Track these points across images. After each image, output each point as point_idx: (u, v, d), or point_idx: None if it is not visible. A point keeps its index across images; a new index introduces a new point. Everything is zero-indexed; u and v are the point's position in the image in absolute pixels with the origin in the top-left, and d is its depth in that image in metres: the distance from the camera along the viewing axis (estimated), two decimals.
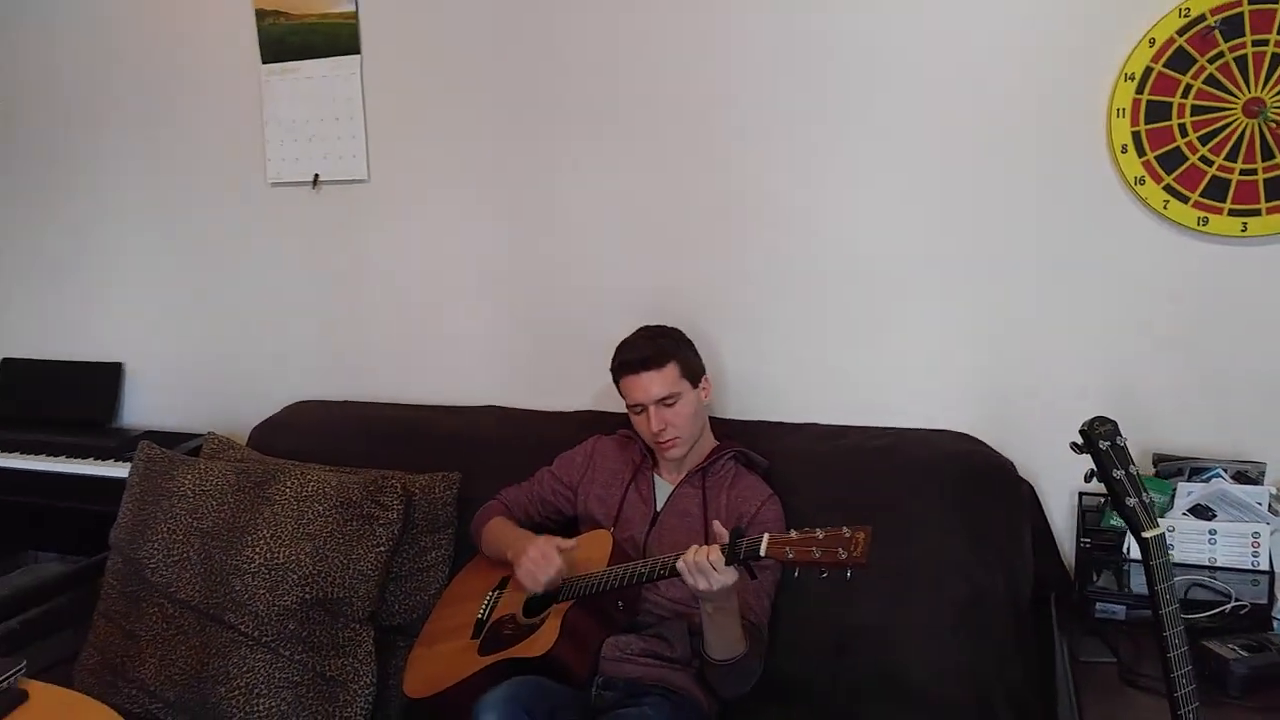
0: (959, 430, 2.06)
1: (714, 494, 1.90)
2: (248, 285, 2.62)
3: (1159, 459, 1.94)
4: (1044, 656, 1.86)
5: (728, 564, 1.55)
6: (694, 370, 1.92)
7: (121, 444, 2.49)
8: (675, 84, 2.17)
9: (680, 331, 1.97)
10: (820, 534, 1.48)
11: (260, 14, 2.44)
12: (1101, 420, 1.49)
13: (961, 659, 1.80)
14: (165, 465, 2.10)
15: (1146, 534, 1.43)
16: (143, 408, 2.76)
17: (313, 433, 2.34)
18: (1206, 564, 1.84)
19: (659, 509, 1.92)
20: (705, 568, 1.55)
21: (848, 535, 1.47)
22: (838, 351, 2.15)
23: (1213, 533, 1.86)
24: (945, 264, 2.05)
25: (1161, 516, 1.88)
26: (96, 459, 2.46)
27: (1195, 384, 1.94)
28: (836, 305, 2.13)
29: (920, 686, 1.79)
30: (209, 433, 2.28)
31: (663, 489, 1.95)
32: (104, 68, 2.68)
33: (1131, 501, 1.44)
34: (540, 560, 1.77)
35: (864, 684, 1.82)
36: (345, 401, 2.49)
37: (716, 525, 1.60)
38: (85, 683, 1.97)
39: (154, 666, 1.93)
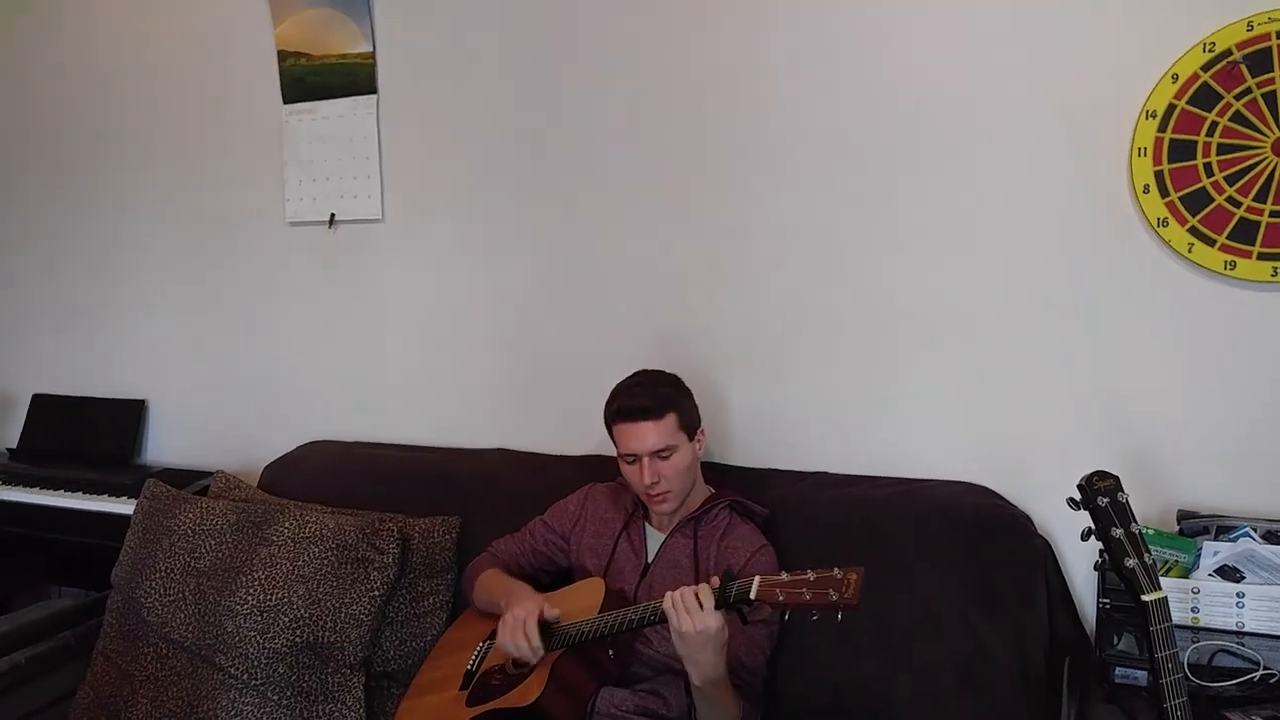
0: (975, 483, 1.98)
1: (705, 544, 1.85)
2: (267, 325, 2.65)
3: (1183, 515, 1.84)
4: None
5: (717, 607, 1.50)
6: (691, 422, 1.87)
7: (139, 481, 2.51)
8: (695, 129, 2.16)
9: (678, 379, 1.92)
10: (811, 575, 1.44)
11: (282, 55, 2.49)
12: (1101, 475, 1.42)
13: (959, 718, 1.71)
14: (168, 503, 2.12)
15: (1147, 597, 1.36)
16: (166, 445, 2.80)
17: (322, 473, 2.35)
18: (1234, 629, 1.74)
19: (650, 560, 1.87)
20: (692, 605, 1.49)
21: (839, 576, 1.42)
22: (852, 400, 2.09)
23: (1240, 595, 1.75)
24: (962, 311, 1.99)
25: (1185, 577, 1.78)
26: (111, 495, 2.49)
27: (1223, 437, 1.84)
28: (852, 352, 2.08)
29: None
30: (218, 471, 2.30)
31: (654, 539, 1.90)
32: (142, 111, 2.76)
33: (1131, 563, 1.36)
34: (516, 631, 1.69)
35: None
36: (356, 442, 2.50)
37: (713, 580, 1.55)
38: None
39: (145, 708, 1.93)
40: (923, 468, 2.01)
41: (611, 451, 2.19)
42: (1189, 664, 1.67)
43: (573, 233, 2.29)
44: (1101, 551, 1.77)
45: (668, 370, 1.94)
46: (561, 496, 2.05)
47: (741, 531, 1.86)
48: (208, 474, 2.58)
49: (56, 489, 2.58)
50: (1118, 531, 1.37)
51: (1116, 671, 1.74)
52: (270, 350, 2.65)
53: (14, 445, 2.87)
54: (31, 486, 2.59)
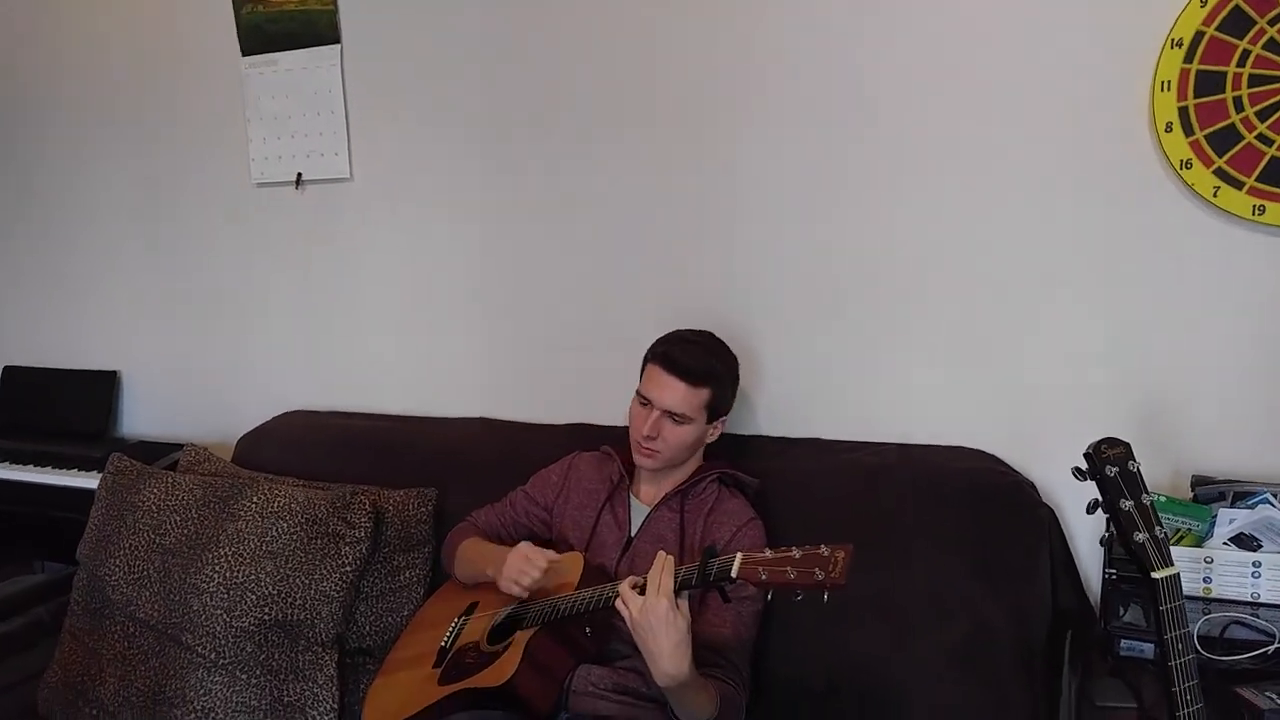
0: (977, 448, 1.88)
1: (692, 518, 1.75)
2: (238, 291, 2.55)
3: (1198, 481, 1.74)
4: (1057, 700, 1.67)
5: (697, 584, 1.40)
6: (720, 407, 1.78)
7: (109, 455, 2.44)
8: (681, 77, 2.02)
9: (735, 361, 1.82)
10: (796, 553, 1.35)
11: (238, 1, 2.36)
12: (1110, 442, 1.31)
13: (961, 699, 1.63)
14: (133, 478, 2.03)
15: (1157, 575, 1.26)
16: (141, 417, 2.71)
17: (296, 444, 2.26)
18: (1249, 600, 1.64)
19: (633, 533, 1.78)
20: (645, 593, 1.39)
21: (826, 554, 1.33)
22: (848, 361, 1.98)
23: (1257, 565, 1.65)
24: (964, 263, 1.87)
25: (1198, 545, 1.68)
26: (82, 470, 2.41)
27: (1243, 397, 1.73)
28: (846, 309, 1.97)
29: None
30: (187, 445, 2.21)
31: (639, 512, 1.81)
32: (95, 73, 2.64)
33: (1141, 537, 1.26)
34: (523, 562, 1.63)
35: None
36: (332, 412, 2.41)
37: (668, 560, 1.44)
38: (47, 701, 1.90)
39: (114, 687, 1.86)
40: (922, 432, 1.91)
41: (598, 421, 2.12)
42: (1199, 636, 1.58)
43: (556, 192, 2.17)
44: (1109, 523, 1.69)
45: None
46: (544, 466, 1.96)
47: (730, 505, 1.77)
48: (189, 446, 2.50)
49: (28, 463, 2.50)
50: (1127, 504, 1.27)
51: (1122, 644, 1.66)
52: (243, 318, 2.55)
53: None
54: (12, 463, 2.51)
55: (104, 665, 1.88)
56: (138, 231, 2.64)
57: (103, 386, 2.67)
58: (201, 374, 2.62)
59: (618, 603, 1.43)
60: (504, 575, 1.65)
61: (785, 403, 2.02)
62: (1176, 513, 1.69)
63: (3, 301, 2.87)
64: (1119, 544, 1.28)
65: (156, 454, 2.39)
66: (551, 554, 1.68)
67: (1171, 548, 1.65)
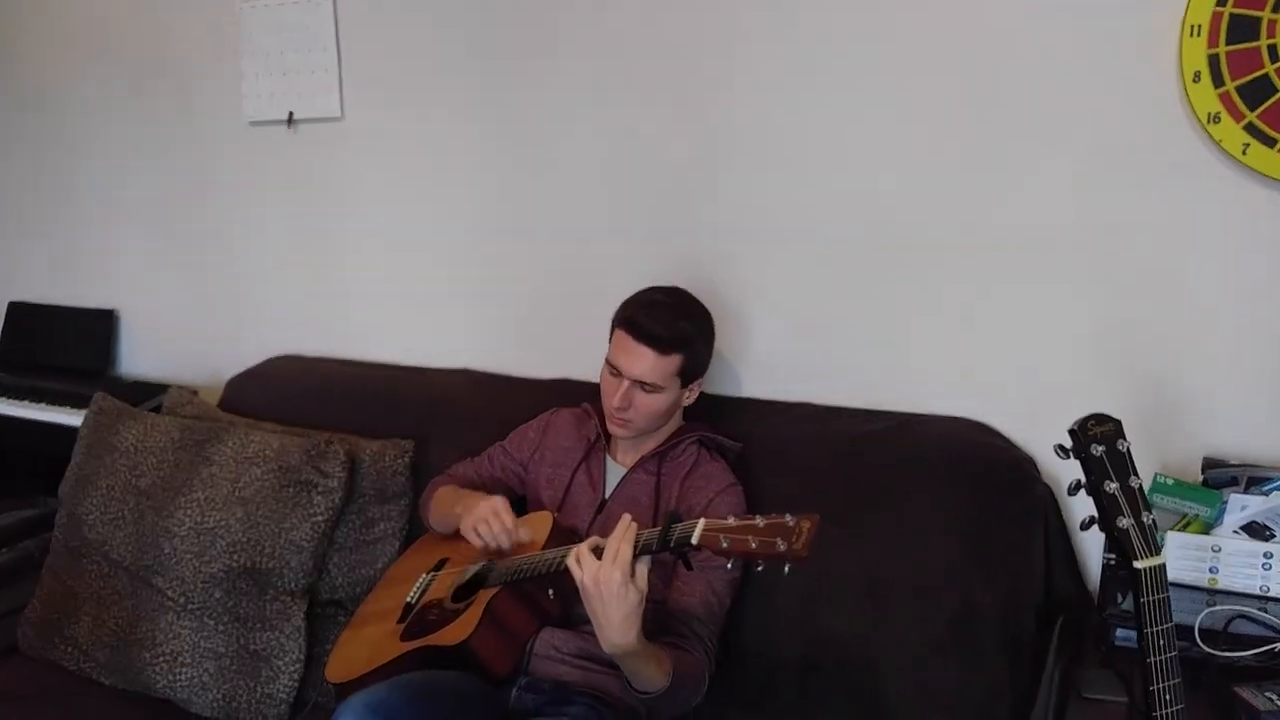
0: (974, 419, 1.78)
1: (668, 481, 1.68)
2: (232, 232, 2.50)
3: (1209, 464, 1.63)
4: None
5: (658, 550, 1.34)
6: (695, 369, 1.68)
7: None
8: (669, 27, 1.92)
9: (708, 318, 1.72)
10: (760, 522, 1.27)
11: None
12: (1098, 419, 1.21)
13: (944, 683, 1.56)
14: (114, 418, 2.01)
15: (1140, 564, 1.16)
16: (140, 356, 2.70)
17: (282, 389, 2.23)
18: (1258, 593, 1.54)
19: (607, 495, 1.72)
20: (602, 558, 1.31)
21: (790, 524, 1.25)
22: (844, 323, 1.88)
23: (1268, 556, 1.55)
24: (966, 222, 1.76)
25: (1206, 533, 1.58)
26: (75, 408, 2.40)
27: (1265, 374, 1.61)
28: (839, 268, 1.87)
29: (893, 710, 1.57)
30: (171, 386, 2.19)
31: (614, 473, 1.74)
32: (91, 7, 2.58)
33: (1125, 523, 1.16)
34: (490, 514, 1.57)
35: (832, 701, 1.61)
36: (321, 358, 2.36)
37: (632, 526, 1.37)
38: (27, 637, 1.90)
39: (89, 625, 1.85)
40: (917, 401, 1.82)
41: (583, 377, 2.05)
42: (1200, 629, 1.49)
43: (545, 142, 2.09)
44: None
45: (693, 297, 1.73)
46: (522, 423, 1.90)
47: (709, 469, 1.70)
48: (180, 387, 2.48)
49: (27, 399, 2.50)
50: (1112, 486, 1.17)
51: (1117, 633, 1.58)
52: (238, 260, 2.51)
53: None
54: (16, 398, 2.51)
55: (80, 604, 1.88)
56: (136, 168, 2.60)
57: (101, 325, 2.66)
58: (198, 315, 2.59)
59: (570, 561, 1.36)
60: (468, 521, 1.60)
61: (775, 365, 1.94)
62: (1183, 497, 1.59)
63: (8, 237, 2.86)
64: (1101, 529, 1.19)
65: (150, 394, 2.38)
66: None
67: (1175, 534, 1.58)
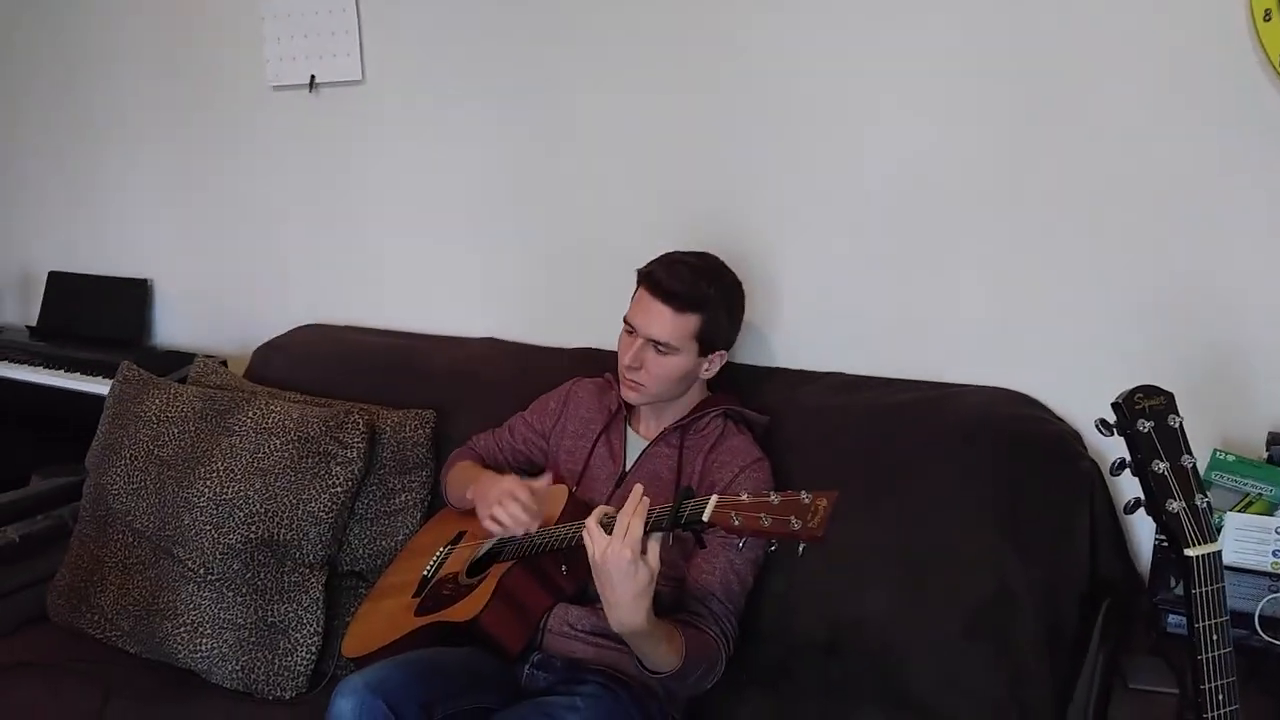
0: (1015, 390, 1.68)
1: (691, 455, 1.62)
2: (259, 200, 2.48)
3: (1274, 439, 1.50)
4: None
5: (668, 527, 1.27)
6: (714, 338, 1.60)
7: (138, 364, 2.43)
8: None
9: (737, 288, 1.64)
10: (775, 499, 1.20)
11: None
12: (1147, 391, 1.11)
13: (974, 669, 1.47)
14: (139, 387, 2.00)
15: (1192, 552, 1.06)
16: (173, 325, 2.70)
17: (307, 358, 2.20)
18: None
19: (627, 468, 1.66)
20: (610, 534, 1.25)
21: (806, 502, 1.18)
22: (876, 289, 1.79)
23: None
24: (1017, 177, 1.65)
25: (1271, 514, 1.47)
26: (107, 377, 2.40)
27: None
28: (881, 234, 1.77)
29: (920, 696, 1.49)
30: (199, 355, 2.18)
31: (635, 446, 1.68)
32: None
33: (1175, 506, 1.06)
34: (506, 498, 1.50)
35: (856, 684, 1.53)
36: (348, 326, 2.33)
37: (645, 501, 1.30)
38: (54, 604, 1.91)
39: (114, 594, 1.85)
40: (954, 370, 1.72)
41: (608, 347, 1.98)
42: (1262, 616, 1.39)
43: (569, 104, 2.01)
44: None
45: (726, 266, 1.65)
46: (548, 391, 1.84)
47: (734, 443, 1.62)
48: (210, 356, 2.48)
49: (65, 369, 2.51)
50: (1161, 465, 1.07)
51: (1169, 619, 1.47)
52: (265, 228, 2.49)
53: (34, 323, 2.83)
54: (36, 366, 2.54)
55: (106, 573, 1.88)
56: (163, 135, 2.59)
57: (135, 295, 2.66)
58: (227, 284, 2.58)
59: (584, 535, 1.31)
60: (483, 510, 1.55)
61: (806, 334, 1.85)
62: (1245, 475, 1.48)
63: (48, 206, 2.88)
64: (1148, 512, 1.09)
65: (181, 363, 2.38)
66: (536, 483, 1.56)
67: (1235, 515, 1.46)
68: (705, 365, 1.63)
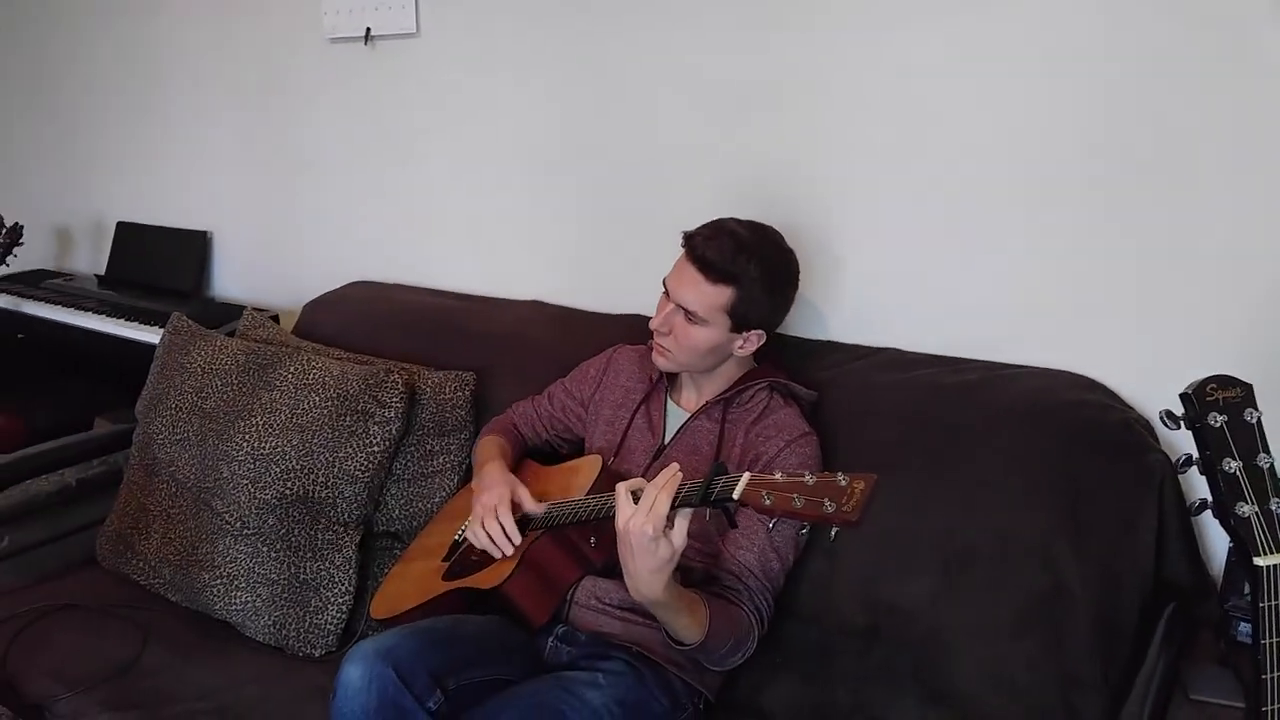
0: (1081, 374, 1.57)
1: (734, 429, 1.55)
2: (314, 153, 2.46)
3: None
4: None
5: (698, 504, 1.21)
6: (748, 316, 1.50)
7: (192, 314, 2.45)
8: None
9: (786, 264, 1.54)
10: (810, 479, 1.13)
11: None
12: (1222, 381, 1.00)
13: (1020, 666, 1.39)
14: (186, 339, 2.01)
15: (1262, 561, 0.96)
16: (231, 278, 2.73)
17: (355, 315, 2.19)
18: None
19: (666, 441, 1.60)
20: (641, 503, 1.20)
21: (842, 484, 1.11)
22: (938, 262, 1.69)
23: None
24: (1088, 139, 1.53)
25: None
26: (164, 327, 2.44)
27: None
28: (943, 204, 1.66)
29: (961, 691, 1.42)
30: (248, 308, 2.18)
31: (676, 418, 1.62)
32: None
33: (1246, 510, 0.97)
34: (488, 518, 1.49)
35: (894, 673, 1.47)
36: (397, 284, 2.31)
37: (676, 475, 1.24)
38: (103, 549, 1.95)
39: (157, 542, 1.87)
40: (1015, 350, 1.62)
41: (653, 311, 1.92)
42: None
43: (628, 61, 1.93)
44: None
45: (782, 240, 1.55)
46: (589, 358, 1.79)
47: (780, 416, 1.55)
48: (263, 310, 2.49)
49: (126, 318, 2.54)
50: (1233, 464, 0.97)
51: (1240, 627, 1.37)
52: (321, 182, 2.47)
53: (102, 272, 2.88)
54: (103, 314, 2.57)
55: (151, 521, 1.90)
56: (225, 88, 2.59)
57: (195, 246, 2.69)
58: (283, 238, 2.58)
59: (619, 492, 1.26)
60: (475, 507, 1.53)
61: (864, 307, 1.76)
62: None
63: (117, 157, 2.92)
64: (1215, 515, 0.99)
65: (234, 316, 2.39)
66: (531, 504, 1.52)
67: None
68: (739, 343, 1.54)
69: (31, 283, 2.83)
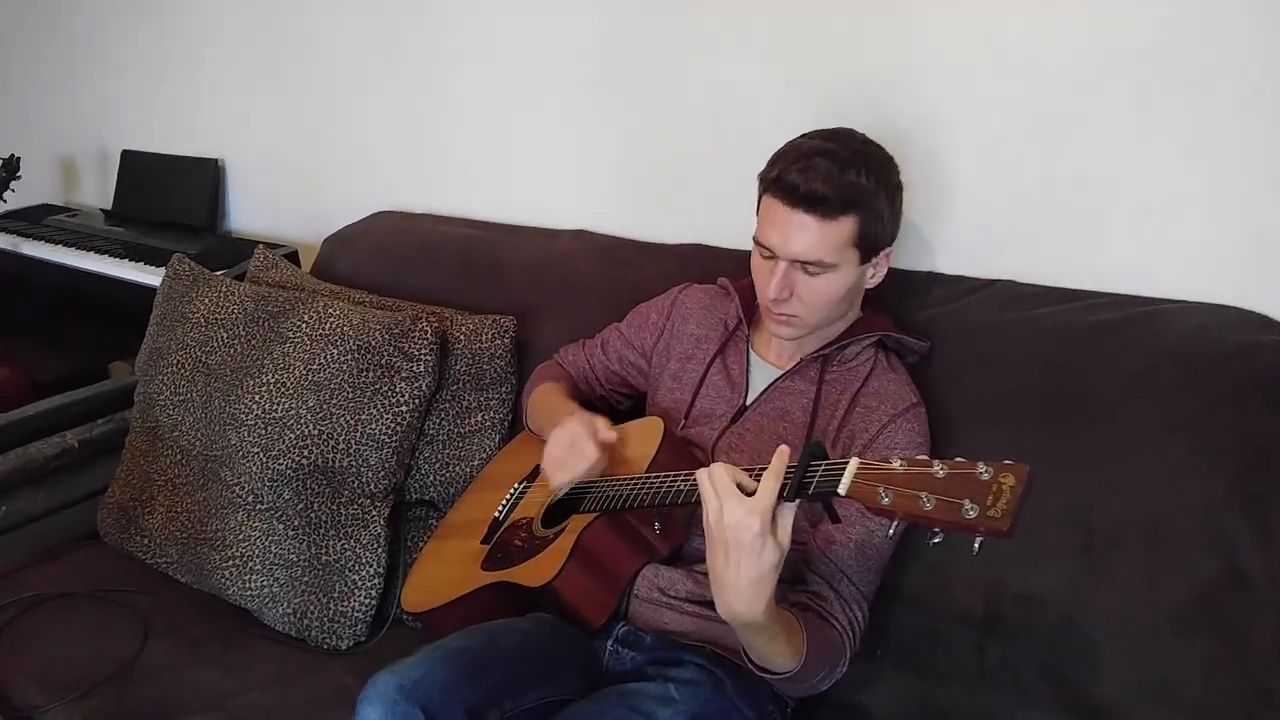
0: (1246, 308, 1.28)
1: (832, 393, 1.29)
2: (334, 76, 2.19)
3: None
4: None
5: (788, 496, 0.97)
6: (877, 235, 1.23)
7: (205, 251, 2.23)
8: None
9: (888, 160, 1.25)
10: (940, 470, 0.89)
11: None
12: None
13: (1181, 670, 1.15)
14: (189, 284, 1.77)
15: None
16: (247, 210, 2.48)
17: (378, 251, 1.95)
18: None
19: (748, 401, 1.34)
20: (730, 489, 0.97)
21: (985, 479, 0.86)
22: (1065, 169, 1.40)
23: None
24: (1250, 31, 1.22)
25: None
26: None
27: None
28: (1071, 94, 1.37)
29: (1107, 702, 1.19)
30: (259, 246, 1.94)
31: (761, 374, 1.36)
32: None
33: None
34: (568, 449, 1.26)
35: (1020, 675, 1.24)
36: (426, 214, 2.05)
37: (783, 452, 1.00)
38: (105, 523, 1.73)
39: (162, 517, 1.65)
40: (1163, 282, 1.34)
41: (720, 243, 1.65)
42: None
43: None
44: None
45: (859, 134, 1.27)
46: (648, 298, 1.53)
47: (884, 383, 1.29)
48: (279, 246, 2.26)
49: (132, 259, 2.32)
50: None
51: None
52: (340, 103, 2.21)
53: (109, 206, 2.65)
54: (110, 255, 2.35)
55: (155, 492, 1.69)
56: (228, 6, 2.31)
57: (205, 176, 2.44)
58: (302, 165, 2.32)
59: (702, 489, 1.01)
60: (547, 457, 1.29)
61: (976, 233, 1.48)
62: None
63: (120, 84, 2.67)
64: None
65: (246, 253, 2.15)
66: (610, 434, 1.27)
67: None
68: (871, 272, 1.28)
69: (34, 220, 2.62)
